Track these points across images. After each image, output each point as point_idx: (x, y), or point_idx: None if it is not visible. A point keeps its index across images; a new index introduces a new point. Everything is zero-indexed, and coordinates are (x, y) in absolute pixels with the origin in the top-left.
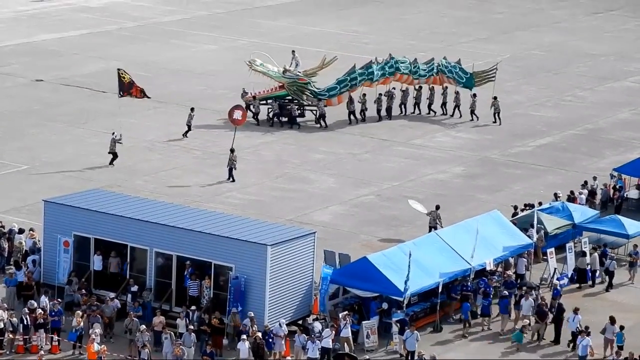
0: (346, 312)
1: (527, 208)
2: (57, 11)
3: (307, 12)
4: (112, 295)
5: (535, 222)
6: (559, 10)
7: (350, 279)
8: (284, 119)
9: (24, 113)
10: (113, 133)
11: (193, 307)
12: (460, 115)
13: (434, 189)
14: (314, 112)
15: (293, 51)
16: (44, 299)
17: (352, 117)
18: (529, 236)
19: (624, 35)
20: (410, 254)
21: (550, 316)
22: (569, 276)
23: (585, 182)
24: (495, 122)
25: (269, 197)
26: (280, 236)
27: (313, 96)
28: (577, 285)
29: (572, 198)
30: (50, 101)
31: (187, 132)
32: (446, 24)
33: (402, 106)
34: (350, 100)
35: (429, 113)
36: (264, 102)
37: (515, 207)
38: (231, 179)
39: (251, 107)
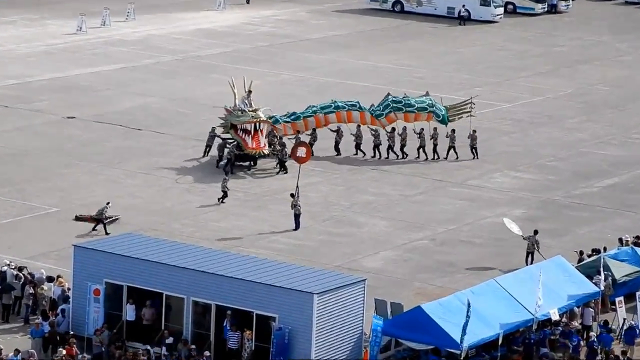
0: None
1: (594, 254)
2: (91, 44)
3: (356, 46)
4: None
5: (602, 269)
6: (623, 43)
7: (403, 330)
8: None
9: (55, 152)
10: (108, 203)
11: None
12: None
13: (493, 233)
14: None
15: (249, 91)
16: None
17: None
18: (595, 284)
19: None
20: (469, 304)
21: None
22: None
23: None
24: (474, 157)
25: (316, 242)
26: (328, 284)
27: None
28: None
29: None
30: (83, 139)
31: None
32: (503, 58)
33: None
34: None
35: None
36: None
37: (581, 253)
38: (296, 227)
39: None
